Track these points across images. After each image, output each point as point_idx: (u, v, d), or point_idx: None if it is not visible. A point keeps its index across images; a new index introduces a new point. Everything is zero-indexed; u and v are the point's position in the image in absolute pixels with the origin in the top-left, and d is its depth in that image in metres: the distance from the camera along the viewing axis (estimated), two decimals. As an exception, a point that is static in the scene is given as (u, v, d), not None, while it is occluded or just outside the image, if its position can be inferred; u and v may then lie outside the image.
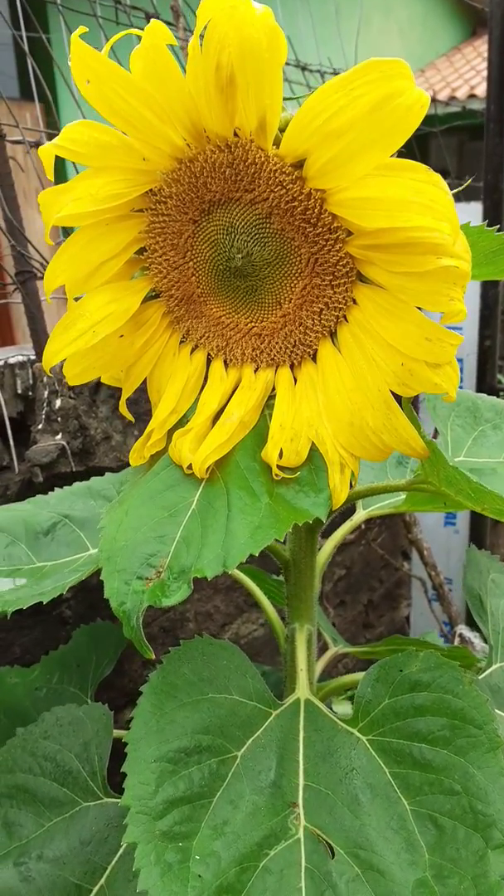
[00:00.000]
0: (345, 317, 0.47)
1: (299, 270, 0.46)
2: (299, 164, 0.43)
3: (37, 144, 1.04)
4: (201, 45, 0.41)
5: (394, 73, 0.38)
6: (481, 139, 1.81)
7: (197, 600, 1.35)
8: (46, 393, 0.97)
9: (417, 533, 1.60)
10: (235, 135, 0.44)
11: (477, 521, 1.88)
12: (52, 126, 1.22)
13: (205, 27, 0.40)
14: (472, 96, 6.64)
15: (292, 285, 0.47)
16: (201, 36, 0.41)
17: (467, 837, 0.49)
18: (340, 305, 0.46)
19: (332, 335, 0.48)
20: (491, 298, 1.79)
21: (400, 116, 0.38)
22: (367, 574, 1.85)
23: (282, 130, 0.43)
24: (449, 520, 1.95)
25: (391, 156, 0.41)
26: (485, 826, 0.49)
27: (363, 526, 1.69)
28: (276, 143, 0.43)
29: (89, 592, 1.12)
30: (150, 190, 0.47)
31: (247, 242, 0.46)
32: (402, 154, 0.42)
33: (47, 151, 0.46)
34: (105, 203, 0.47)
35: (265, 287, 0.48)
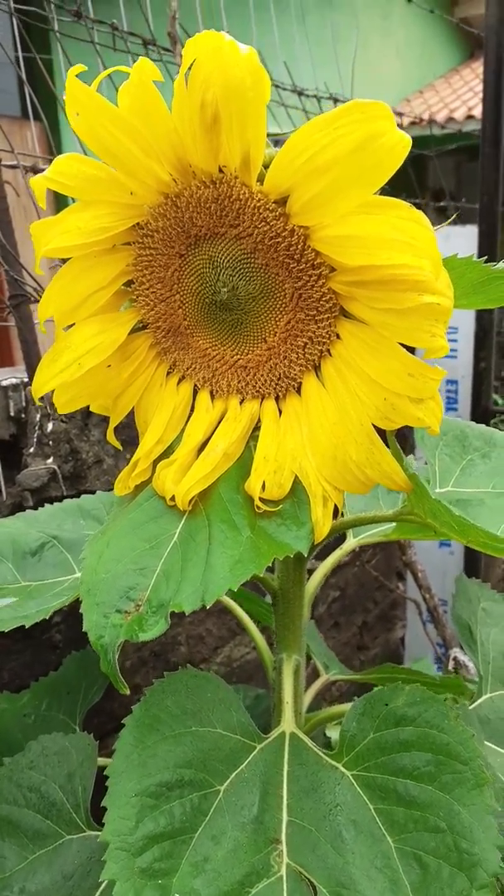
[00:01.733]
0: (328, 351, 0.47)
1: (284, 305, 0.47)
2: (283, 201, 0.43)
3: (34, 168, 1.04)
4: (187, 83, 0.41)
5: (376, 115, 0.39)
6: (478, 160, 1.83)
7: (189, 623, 1.34)
8: (38, 416, 0.97)
9: (412, 555, 1.59)
10: (220, 171, 0.44)
11: (472, 542, 1.88)
12: (51, 147, 1.24)
13: (190, 66, 0.41)
14: (469, 117, 6.72)
15: (277, 319, 0.47)
16: (187, 74, 0.41)
17: (452, 877, 0.48)
18: (324, 340, 0.47)
19: (317, 369, 0.48)
20: (486, 321, 1.80)
21: (382, 156, 0.39)
22: (361, 596, 1.84)
23: (266, 167, 0.43)
24: (444, 542, 1.95)
25: (374, 193, 0.41)
26: (469, 865, 0.48)
27: (357, 548, 1.68)
28: (261, 179, 0.44)
29: (79, 617, 1.11)
30: (137, 224, 0.48)
31: (232, 277, 0.47)
32: (397, 175, 0.42)
33: (38, 183, 0.47)
34: (93, 236, 0.47)
35: (250, 320, 0.48)
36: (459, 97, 7.68)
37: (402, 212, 0.40)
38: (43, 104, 1.19)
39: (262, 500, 0.47)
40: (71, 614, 1.08)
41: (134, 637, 0.41)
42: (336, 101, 1.80)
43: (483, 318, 1.78)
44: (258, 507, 0.47)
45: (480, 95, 1.89)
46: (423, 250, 0.39)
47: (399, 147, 0.39)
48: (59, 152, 1.19)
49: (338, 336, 0.46)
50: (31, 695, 0.90)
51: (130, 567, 0.45)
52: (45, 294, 0.51)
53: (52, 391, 0.53)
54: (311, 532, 0.46)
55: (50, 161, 1.14)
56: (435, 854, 0.49)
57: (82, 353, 0.50)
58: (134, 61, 1.24)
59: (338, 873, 0.49)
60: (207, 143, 0.43)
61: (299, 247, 0.43)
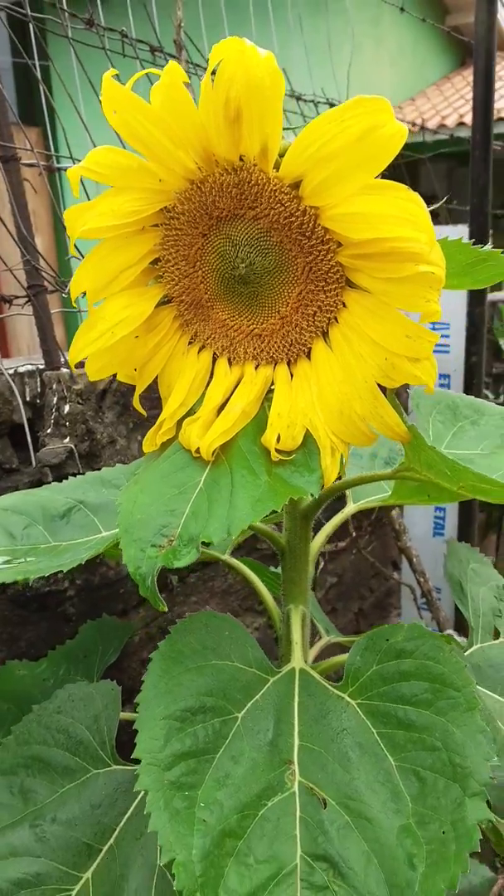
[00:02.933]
0: (335, 318, 0.53)
1: (296, 278, 0.53)
2: (296, 185, 0.49)
3: (48, 168, 1.11)
4: (212, 81, 0.47)
5: (377, 109, 0.45)
6: (468, 166, 1.90)
7: (193, 603, 1.40)
8: (55, 399, 1.03)
9: (407, 541, 1.65)
10: (241, 159, 0.50)
11: (464, 531, 1.94)
12: (48, 148, 1.30)
13: (216, 66, 0.47)
14: (460, 124, 6.83)
15: (289, 291, 0.53)
16: (213, 73, 0.47)
17: (447, 787, 0.54)
18: (332, 308, 0.53)
19: (325, 334, 0.54)
20: (477, 317, 1.87)
21: (383, 144, 0.45)
22: (357, 583, 1.90)
23: (281, 155, 0.49)
24: (437, 531, 2.01)
25: (376, 177, 0.47)
26: (463, 777, 0.54)
27: (354, 534, 1.74)
28: (276, 166, 0.50)
29: (92, 591, 1.17)
30: (165, 207, 0.54)
31: (250, 253, 0.53)
32: (389, 178, 0.48)
33: (74, 173, 0.53)
34: (124, 218, 0.53)
35: (265, 293, 0.54)
36: (451, 104, 7.80)
37: (400, 193, 0.46)
38: (40, 110, 1.25)
39: (277, 450, 0.53)
40: (84, 589, 1.14)
41: (170, 564, 0.47)
42: (332, 105, 1.86)
43: (474, 314, 1.85)
44: (274, 457, 0.53)
45: (471, 103, 1.96)
46: (419, 225, 0.46)
47: (397, 136, 0.45)
48: (57, 151, 1.25)
49: (344, 304, 0.52)
50: (49, 661, 0.95)
51: (162, 509, 0.51)
52: (77, 271, 0.57)
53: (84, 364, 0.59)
54: (321, 478, 0.52)
55: (55, 159, 1.19)
56: (432, 769, 0.55)
57: (114, 324, 0.56)
58: (141, 66, 1.31)
59: (345, 788, 0.55)
60: (230, 135, 0.49)
61: (310, 225, 0.50)
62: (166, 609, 0.47)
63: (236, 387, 0.57)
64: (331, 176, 0.46)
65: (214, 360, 0.59)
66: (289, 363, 0.56)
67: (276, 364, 0.57)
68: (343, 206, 0.47)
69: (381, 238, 0.46)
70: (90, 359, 0.57)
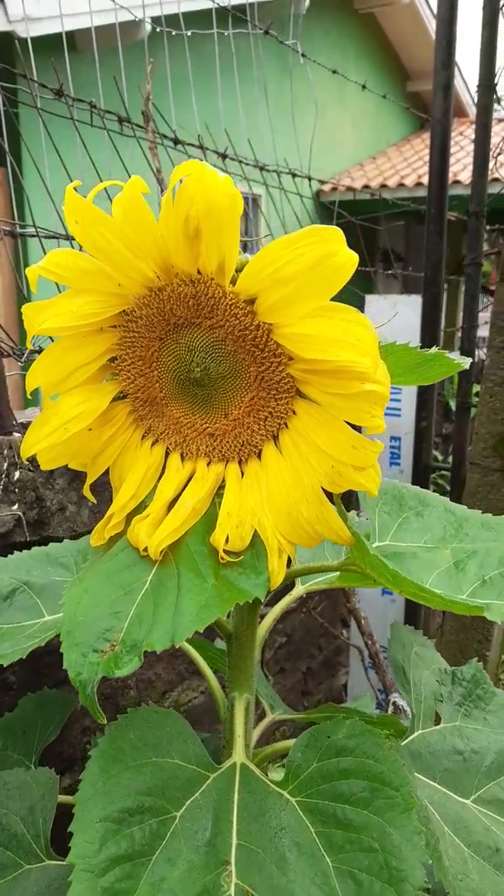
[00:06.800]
0: (286, 424, 0.55)
1: (248, 384, 0.54)
2: (251, 301, 0.51)
3: (11, 234, 1.11)
4: (173, 199, 0.49)
5: (330, 238, 0.47)
6: (425, 224, 1.98)
7: (139, 667, 1.38)
8: (6, 465, 1.02)
9: (356, 602, 1.67)
10: (199, 272, 0.52)
11: (413, 592, 1.97)
12: (13, 211, 1.31)
13: (177, 185, 0.49)
14: (419, 184, 7.12)
15: (242, 396, 0.55)
16: (174, 191, 0.49)
17: (382, 891, 0.54)
18: (282, 415, 0.54)
19: (275, 438, 0.56)
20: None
21: (334, 272, 0.47)
22: (307, 642, 1.90)
23: (238, 271, 0.51)
24: (386, 590, 2.04)
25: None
26: (398, 880, 0.54)
27: (304, 595, 1.75)
28: (233, 281, 0.52)
29: (34, 659, 1.14)
30: (123, 310, 0.55)
31: (205, 359, 0.54)
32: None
33: (33, 272, 0.54)
34: (83, 319, 0.54)
35: (219, 396, 0.56)
36: (410, 165, 8.13)
37: (349, 315, 0.49)
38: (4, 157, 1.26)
39: (225, 551, 0.54)
40: (27, 657, 1.11)
41: (111, 673, 0.47)
42: (295, 175, 1.93)
43: (425, 380, 1.91)
44: (222, 558, 0.54)
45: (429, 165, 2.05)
46: (364, 349, 0.48)
47: (348, 265, 0.47)
48: (21, 201, 1.27)
49: (294, 412, 0.54)
50: (-13, 735, 0.92)
51: (106, 611, 0.51)
52: (33, 367, 0.57)
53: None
54: (267, 580, 0.53)
55: (21, 224, 1.21)
56: (368, 871, 0.55)
57: (68, 420, 0.56)
58: (109, 137, 1.33)
59: (281, 891, 0.55)
60: (188, 250, 0.51)
61: (264, 339, 0.51)
62: (105, 721, 0.47)
63: (188, 482, 0.58)
64: (284, 298, 0.48)
65: (167, 454, 0.60)
66: (240, 462, 0.58)
67: (227, 462, 0.58)
68: (295, 326, 0.49)
69: (329, 360, 0.48)
70: (42, 451, 0.58)
